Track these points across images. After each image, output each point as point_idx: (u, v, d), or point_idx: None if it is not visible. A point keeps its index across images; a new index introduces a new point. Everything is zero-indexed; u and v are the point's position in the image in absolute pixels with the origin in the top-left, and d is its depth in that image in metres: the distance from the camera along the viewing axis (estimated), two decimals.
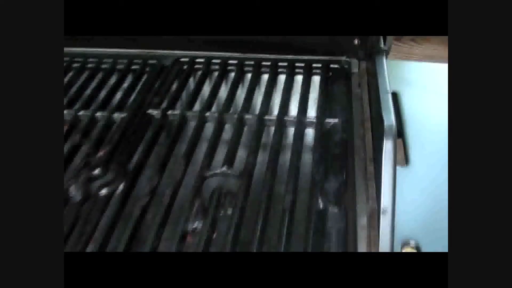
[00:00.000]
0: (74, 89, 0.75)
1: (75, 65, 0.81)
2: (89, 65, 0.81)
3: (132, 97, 0.73)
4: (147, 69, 0.79)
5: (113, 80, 0.77)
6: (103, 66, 0.81)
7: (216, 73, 0.77)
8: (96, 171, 0.61)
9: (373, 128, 0.64)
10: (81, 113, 0.70)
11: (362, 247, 0.51)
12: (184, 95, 0.74)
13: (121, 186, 0.58)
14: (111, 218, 0.55)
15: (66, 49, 0.80)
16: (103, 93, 0.75)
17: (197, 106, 0.71)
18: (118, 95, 0.74)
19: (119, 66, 0.80)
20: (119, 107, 0.71)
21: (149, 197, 0.57)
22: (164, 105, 0.71)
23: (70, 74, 0.79)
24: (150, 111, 0.69)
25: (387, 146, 0.49)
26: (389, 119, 0.51)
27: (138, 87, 0.75)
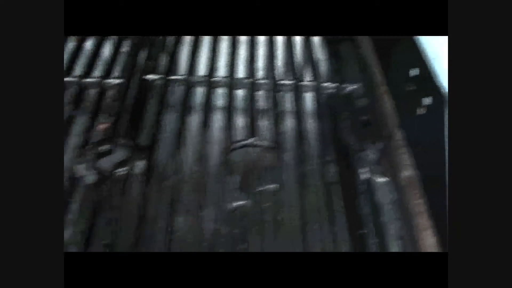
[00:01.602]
0: None
1: None
2: None
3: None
4: None
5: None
6: None
7: None
8: (104, 147, 0.53)
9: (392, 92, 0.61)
10: (67, 79, 0.61)
11: (418, 217, 0.48)
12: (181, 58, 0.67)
13: (139, 164, 0.51)
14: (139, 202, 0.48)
15: None
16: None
17: (201, 71, 0.65)
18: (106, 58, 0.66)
19: None
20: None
21: (176, 175, 0.51)
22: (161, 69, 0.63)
23: None
24: (148, 76, 0.62)
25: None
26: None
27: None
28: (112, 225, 0.47)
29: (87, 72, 0.63)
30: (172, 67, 0.64)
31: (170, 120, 0.58)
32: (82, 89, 0.61)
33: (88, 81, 0.61)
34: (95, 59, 0.65)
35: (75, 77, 0.62)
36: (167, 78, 0.62)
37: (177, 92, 0.61)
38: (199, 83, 0.62)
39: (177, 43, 0.68)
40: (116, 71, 0.63)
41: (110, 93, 0.61)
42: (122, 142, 0.53)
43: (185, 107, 0.59)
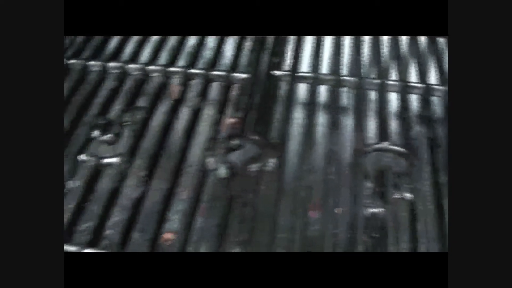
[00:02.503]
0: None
1: None
2: None
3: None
4: None
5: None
6: None
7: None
8: (234, 142, 0.53)
9: None
10: (191, 70, 0.62)
11: None
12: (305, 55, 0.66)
13: (272, 161, 0.51)
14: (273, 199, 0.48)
15: None
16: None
17: (325, 69, 0.64)
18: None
19: None
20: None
21: (310, 174, 0.50)
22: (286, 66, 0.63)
23: None
24: (274, 72, 0.62)
25: None
26: None
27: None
28: (245, 222, 0.47)
29: (212, 65, 0.63)
30: (296, 64, 0.63)
31: (298, 117, 0.57)
32: (207, 81, 0.61)
33: (214, 74, 0.62)
34: (218, 54, 0.65)
35: (200, 69, 0.62)
36: (293, 75, 0.61)
37: (303, 90, 0.61)
38: (325, 81, 0.61)
39: (299, 41, 0.67)
40: (241, 66, 0.63)
41: (236, 88, 0.61)
42: (252, 138, 0.53)
43: (313, 105, 0.58)
